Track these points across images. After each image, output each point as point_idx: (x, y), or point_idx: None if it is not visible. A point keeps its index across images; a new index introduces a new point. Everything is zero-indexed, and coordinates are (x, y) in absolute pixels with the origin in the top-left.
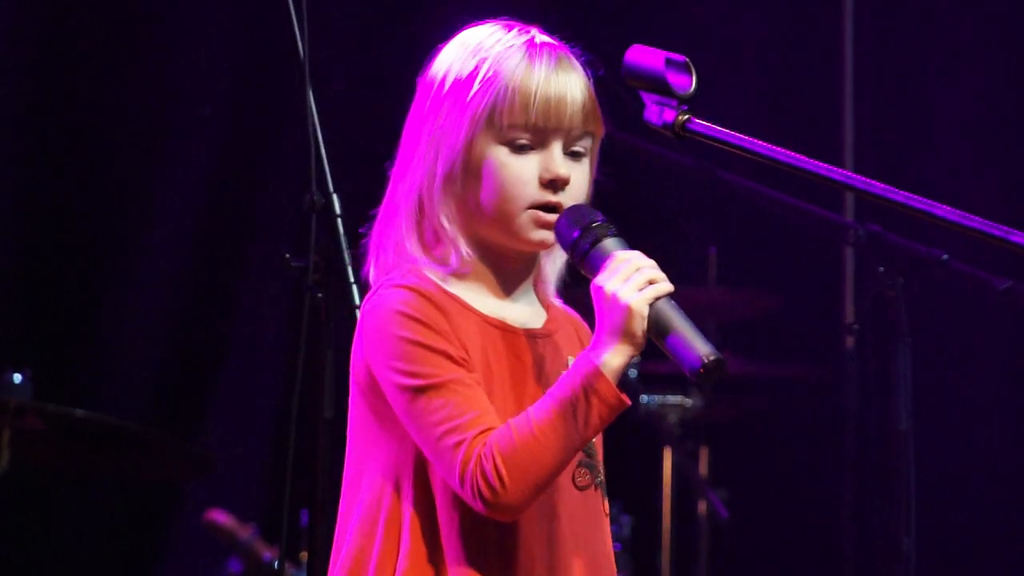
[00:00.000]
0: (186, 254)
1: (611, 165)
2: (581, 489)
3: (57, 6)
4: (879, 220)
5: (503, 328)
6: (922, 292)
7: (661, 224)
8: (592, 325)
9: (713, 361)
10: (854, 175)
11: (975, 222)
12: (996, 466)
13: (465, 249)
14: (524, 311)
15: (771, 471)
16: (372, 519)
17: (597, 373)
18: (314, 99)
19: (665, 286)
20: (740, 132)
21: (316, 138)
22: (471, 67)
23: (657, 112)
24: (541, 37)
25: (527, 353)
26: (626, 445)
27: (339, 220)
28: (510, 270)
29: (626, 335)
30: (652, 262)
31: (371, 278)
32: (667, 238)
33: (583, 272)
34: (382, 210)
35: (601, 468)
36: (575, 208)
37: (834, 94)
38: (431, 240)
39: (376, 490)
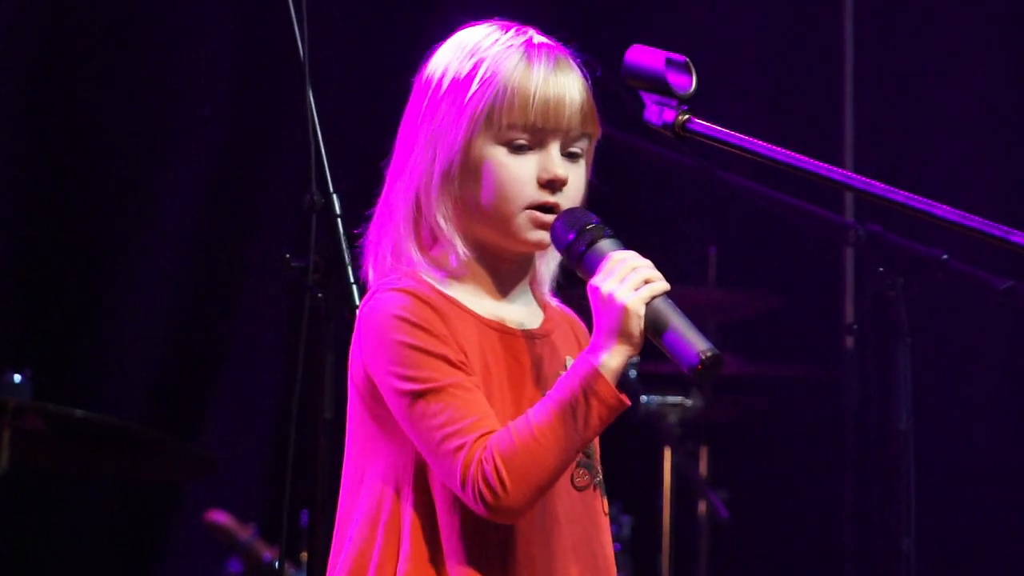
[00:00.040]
0: (186, 254)
1: (611, 165)
2: (580, 489)
3: (57, 6)
4: (879, 220)
5: (501, 329)
6: (922, 292)
7: (661, 224)
8: (589, 325)
9: (710, 357)
10: (854, 175)
11: (975, 222)
12: (996, 466)
13: (462, 249)
14: (521, 312)
15: (771, 471)
16: (372, 522)
17: (596, 374)
18: (314, 99)
19: (661, 285)
20: (740, 132)
21: (316, 138)
22: (469, 67)
23: (657, 112)
24: (539, 38)
25: (525, 354)
26: (626, 445)
27: (339, 220)
28: (507, 271)
29: (623, 335)
30: (648, 262)
31: (369, 279)
32: (667, 238)
33: (579, 274)
34: (378, 210)
35: (599, 468)
36: (570, 211)
37: (834, 94)
38: (428, 240)
39: (376, 493)
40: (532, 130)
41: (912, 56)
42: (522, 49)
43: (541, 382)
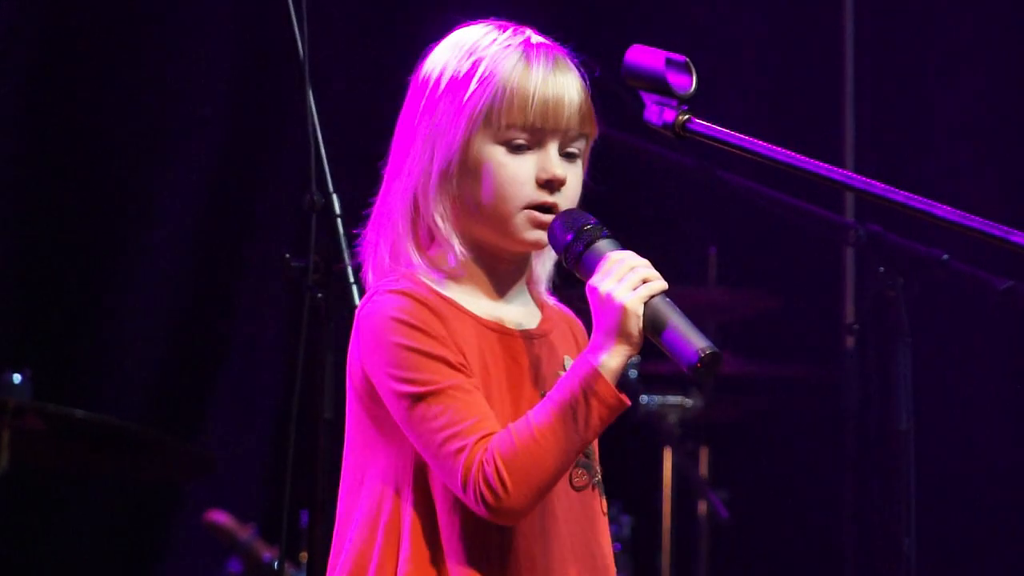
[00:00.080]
0: (186, 254)
1: (611, 165)
2: (578, 489)
3: (57, 6)
4: (879, 220)
5: (499, 330)
6: (922, 292)
7: (661, 224)
8: (587, 325)
9: (710, 355)
10: (854, 175)
11: (975, 222)
12: (996, 466)
13: (460, 248)
14: (519, 312)
15: (771, 471)
16: (372, 523)
17: (595, 374)
18: (314, 99)
19: (659, 284)
20: (740, 132)
21: (316, 138)
22: (467, 67)
23: (657, 112)
24: (537, 38)
25: (523, 354)
26: (626, 445)
27: (339, 220)
28: (504, 271)
29: (623, 335)
30: (645, 261)
31: (368, 279)
32: (667, 238)
33: (578, 275)
34: (375, 210)
35: (598, 467)
36: (568, 212)
37: (834, 94)
38: (426, 240)
39: (376, 495)
40: (531, 130)
41: (912, 56)
42: (521, 49)
43: (539, 382)
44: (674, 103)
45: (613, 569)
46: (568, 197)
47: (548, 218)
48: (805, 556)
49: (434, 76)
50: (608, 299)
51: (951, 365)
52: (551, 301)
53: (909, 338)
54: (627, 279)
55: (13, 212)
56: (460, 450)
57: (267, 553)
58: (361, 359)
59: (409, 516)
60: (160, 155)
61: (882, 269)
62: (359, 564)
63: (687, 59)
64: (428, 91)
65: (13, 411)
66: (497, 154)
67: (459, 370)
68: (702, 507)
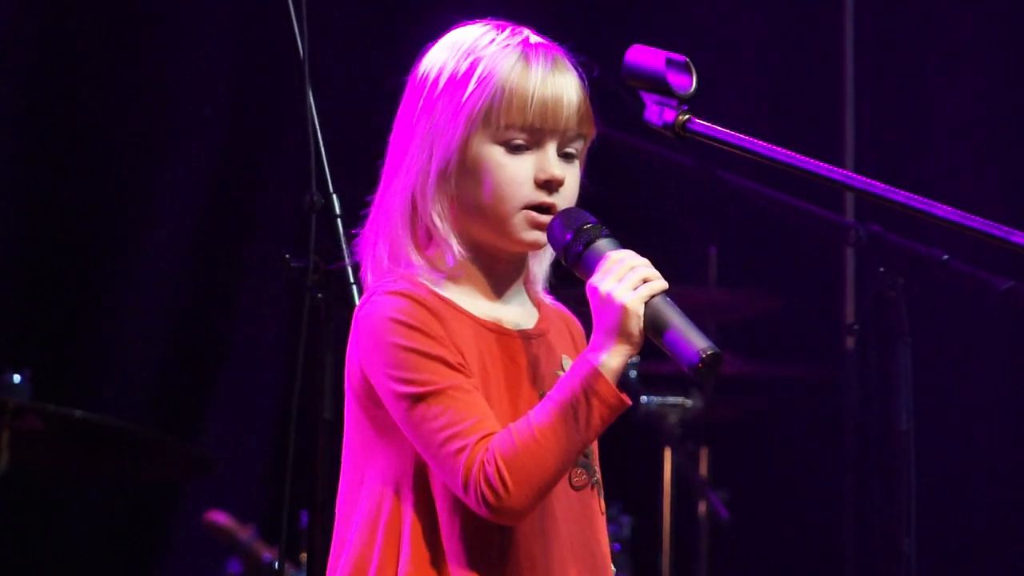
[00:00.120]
0: (186, 254)
1: (611, 165)
2: (577, 489)
3: (57, 6)
4: (879, 220)
5: (497, 330)
6: (922, 292)
7: (661, 224)
8: (586, 325)
9: (711, 355)
10: (854, 175)
11: (975, 222)
12: (996, 466)
13: (458, 248)
14: (516, 312)
15: (771, 471)
16: (372, 525)
17: (596, 374)
18: (314, 99)
19: (659, 284)
20: (740, 132)
21: (316, 138)
22: (466, 66)
23: (657, 112)
24: (535, 38)
25: (521, 354)
26: (626, 446)
27: (339, 220)
28: (501, 271)
29: (623, 335)
30: (645, 260)
31: (367, 279)
32: (667, 238)
33: (577, 274)
34: (373, 209)
35: (597, 467)
36: (567, 211)
37: (834, 94)
38: (424, 239)
39: (376, 496)
40: (530, 130)
41: (912, 56)
42: (520, 49)
43: (538, 382)
44: (674, 103)
45: (611, 568)
46: (566, 198)
47: (546, 218)
48: (805, 556)
49: (432, 76)
50: (609, 299)
51: (951, 365)
52: (548, 300)
53: (909, 338)
54: (627, 279)
55: (13, 212)
56: (461, 450)
57: (267, 553)
58: (360, 360)
59: (409, 517)
60: (160, 155)
61: (882, 269)
62: (359, 566)
63: (687, 59)
64: (426, 91)
65: (13, 411)
66: (496, 154)
67: (458, 370)
68: (702, 507)
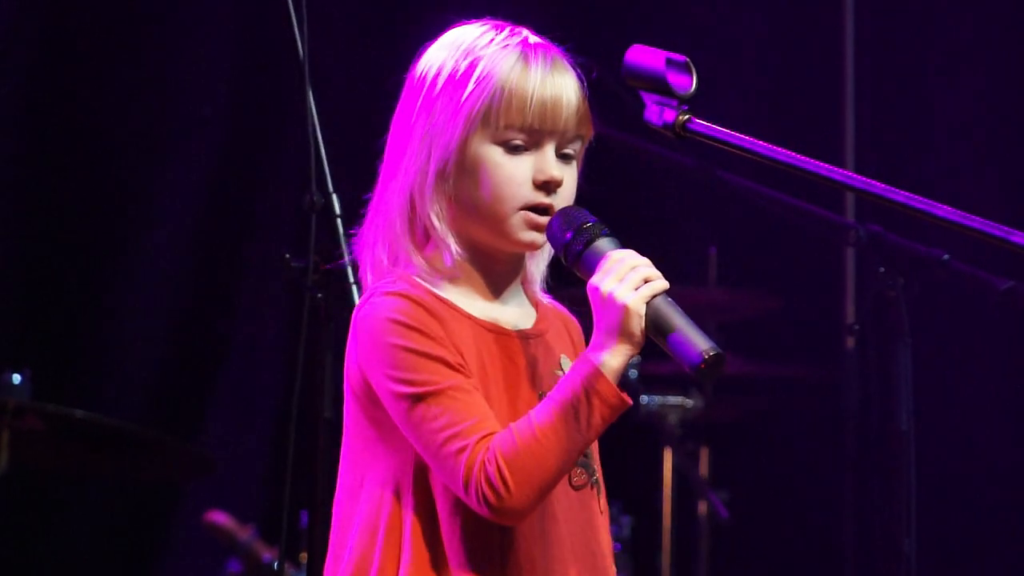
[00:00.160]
0: (186, 254)
1: (611, 165)
2: (577, 489)
3: (57, 6)
4: (879, 220)
5: (495, 330)
6: (922, 292)
7: (661, 224)
8: (585, 324)
9: (713, 356)
10: (854, 175)
11: (975, 222)
12: (996, 466)
13: (456, 248)
14: (515, 312)
15: (771, 471)
16: (372, 526)
17: (597, 374)
18: (314, 99)
19: (661, 283)
20: (740, 132)
21: (316, 138)
22: (465, 67)
23: (657, 112)
24: (534, 38)
25: (520, 354)
26: (626, 446)
27: (339, 220)
28: (499, 271)
29: (624, 335)
30: (646, 260)
31: (366, 279)
32: (667, 238)
33: (578, 273)
34: (371, 208)
35: (596, 466)
36: (566, 210)
37: (834, 94)
38: (421, 239)
39: (375, 497)
40: (529, 131)
41: (912, 56)
42: (519, 49)
43: (536, 382)
44: (674, 103)
45: (612, 568)
46: (564, 198)
47: (544, 219)
48: (805, 556)
49: (431, 75)
50: (610, 299)
51: (951, 365)
52: (546, 300)
53: (909, 338)
54: (628, 279)
55: (13, 212)
56: (461, 450)
57: (267, 554)
58: (359, 361)
59: (410, 519)
60: (160, 155)
61: (882, 269)
62: (360, 567)
63: (687, 59)
64: (425, 90)
65: (13, 411)
66: (494, 154)
67: (458, 370)
68: (702, 507)
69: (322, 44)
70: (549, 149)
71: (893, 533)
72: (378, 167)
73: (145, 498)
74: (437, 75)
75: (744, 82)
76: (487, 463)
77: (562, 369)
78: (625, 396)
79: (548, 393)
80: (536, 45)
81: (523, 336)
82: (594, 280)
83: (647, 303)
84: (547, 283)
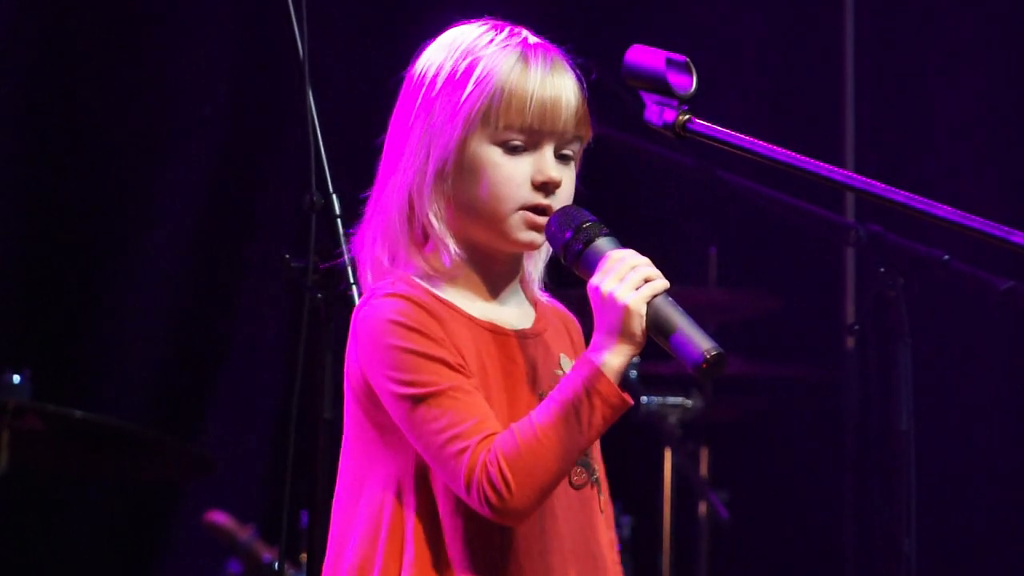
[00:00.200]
0: (186, 254)
1: (611, 165)
2: (577, 488)
3: (57, 6)
4: (880, 220)
5: (494, 330)
6: (923, 292)
7: (661, 224)
8: (586, 324)
9: (715, 356)
10: (854, 175)
11: (975, 222)
12: (996, 466)
13: (454, 248)
14: (513, 312)
15: (771, 471)
16: (374, 528)
17: (598, 374)
18: (314, 99)
19: (661, 283)
20: (740, 132)
21: (316, 138)
22: (464, 67)
23: (657, 112)
24: (533, 38)
25: (519, 354)
26: (627, 446)
27: (339, 220)
28: (498, 271)
29: (625, 334)
30: (646, 259)
31: (366, 279)
32: (667, 238)
33: (577, 273)
34: (369, 207)
35: (596, 465)
36: (565, 209)
37: (834, 94)
38: (420, 239)
39: (377, 499)
40: (528, 132)
41: (912, 56)
42: (519, 50)
43: (536, 382)
44: (674, 103)
45: (612, 567)
46: (562, 199)
47: (542, 220)
48: (805, 556)
49: (430, 75)
50: (610, 299)
51: (951, 365)
52: (544, 299)
53: (909, 338)
54: (629, 278)
55: (13, 212)
56: (462, 451)
57: (267, 554)
58: (360, 362)
59: (412, 519)
60: (160, 155)
61: (882, 269)
62: (362, 569)
63: (687, 59)
64: (424, 90)
65: (13, 411)
66: (493, 155)
67: (458, 371)
68: (702, 507)
69: (322, 44)
70: (548, 150)
71: (893, 533)
72: (377, 166)
73: (145, 498)
74: (436, 75)
75: (744, 82)
76: (488, 464)
77: (562, 368)
78: (626, 396)
79: (548, 393)
80: (536, 45)
81: (522, 336)
82: (594, 280)
83: (648, 303)
84: (545, 283)
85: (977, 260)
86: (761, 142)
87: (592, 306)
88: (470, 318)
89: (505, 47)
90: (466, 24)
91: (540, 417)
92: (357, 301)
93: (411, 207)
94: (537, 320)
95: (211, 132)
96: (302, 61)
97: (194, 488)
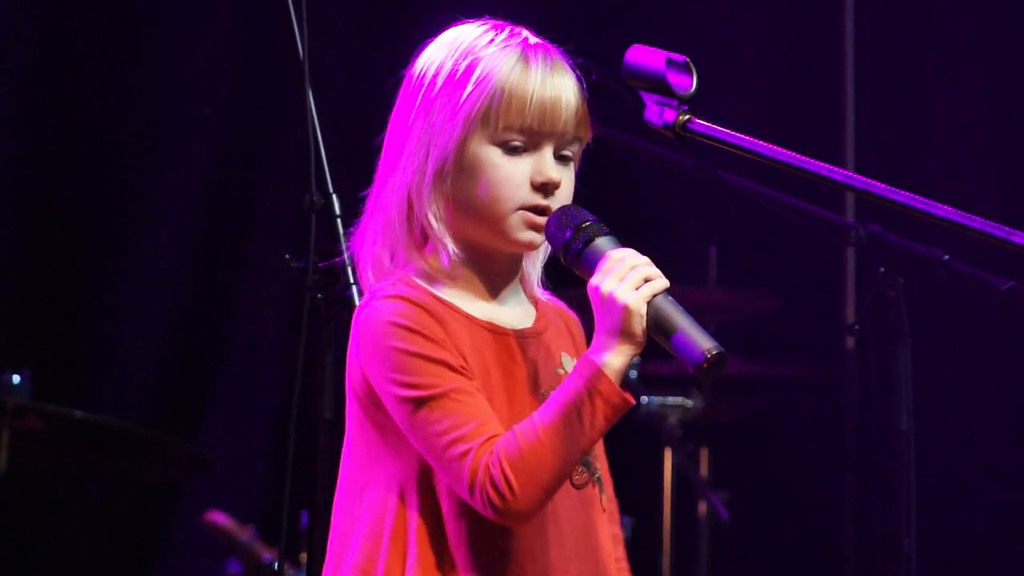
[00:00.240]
0: (186, 254)
1: (611, 165)
2: (579, 487)
3: (57, 6)
4: (880, 220)
5: (495, 330)
6: (923, 292)
7: (661, 224)
8: (587, 323)
9: (715, 355)
10: (854, 175)
11: (975, 222)
12: (996, 466)
13: (453, 248)
14: (513, 312)
15: (771, 471)
16: (377, 529)
17: (599, 374)
18: (314, 99)
19: (661, 282)
20: (740, 132)
21: (316, 138)
22: (464, 67)
23: (657, 112)
24: (533, 39)
25: (519, 354)
26: (627, 446)
27: (339, 220)
28: (497, 271)
29: (626, 335)
30: (646, 259)
31: (367, 278)
32: (667, 238)
33: (577, 272)
34: (368, 206)
35: (598, 463)
36: (565, 209)
37: (834, 94)
38: (420, 239)
39: (380, 500)
40: (528, 132)
41: (912, 56)
42: (519, 50)
43: (537, 382)
44: (674, 103)
45: (613, 565)
46: (561, 200)
47: (541, 220)
48: (805, 556)
49: (430, 75)
50: (611, 299)
51: (951, 365)
52: (545, 297)
53: (909, 338)
54: (629, 278)
55: (13, 212)
56: (465, 454)
57: (267, 554)
58: (361, 365)
59: (415, 521)
60: (160, 155)
61: (882, 269)
62: (365, 570)
63: (687, 59)
64: (423, 90)
65: (13, 411)
66: (493, 155)
67: (460, 373)
68: (702, 507)
69: (322, 44)
70: (548, 151)
71: (893, 533)
72: (376, 166)
73: (145, 498)
74: (436, 74)
75: (744, 82)
76: (491, 466)
77: (563, 367)
78: (628, 396)
79: (550, 392)
80: (536, 46)
81: (523, 336)
82: (594, 280)
83: (648, 302)
84: (543, 284)
85: (977, 260)
86: (761, 142)
87: (593, 306)
88: (470, 318)
89: (505, 47)
90: (466, 24)
91: (542, 418)
92: (357, 301)
93: (410, 207)
94: (538, 319)
95: (211, 132)
96: (302, 61)
97: (194, 488)
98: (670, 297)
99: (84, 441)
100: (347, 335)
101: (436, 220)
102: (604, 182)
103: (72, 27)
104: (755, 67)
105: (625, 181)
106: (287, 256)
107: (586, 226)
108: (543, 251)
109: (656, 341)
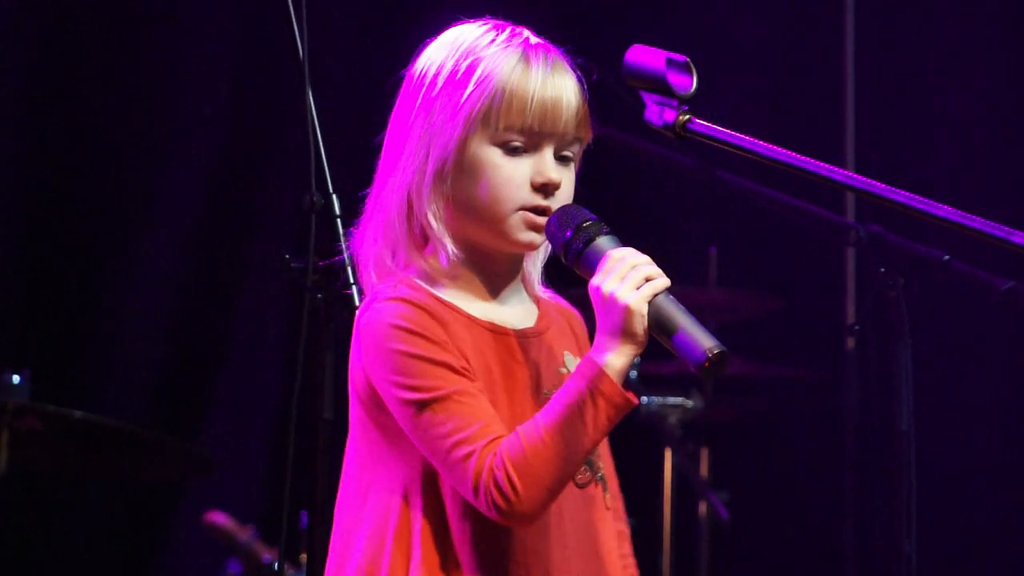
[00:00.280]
0: (186, 254)
1: (611, 165)
2: (582, 487)
3: (57, 5)
4: (880, 220)
5: (496, 331)
6: (923, 293)
7: (661, 224)
8: (588, 321)
9: (717, 354)
10: (854, 175)
11: (975, 222)
12: (996, 466)
13: (452, 248)
14: (515, 312)
15: (771, 471)
16: (380, 531)
17: (601, 375)
18: (314, 99)
19: (662, 282)
20: (740, 132)
21: (316, 138)
22: (465, 67)
23: (657, 112)
24: (534, 39)
25: (520, 354)
26: (627, 446)
27: (339, 220)
28: (498, 271)
29: (627, 334)
30: (647, 258)
31: (369, 278)
32: (667, 238)
33: (578, 272)
34: (368, 205)
35: (601, 462)
36: (565, 208)
37: (834, 94)
38: (420, 239)
39: (384, 502)
40: (528, 133)
41: (912, 56)
42: (520, 50)
43: (539, 381)
44: (674, 103)
45: (615, 564)
46: (562, 201)
47: (542, 220)
48: (805, 556)
49: (430, 75)
50: (612, 299)
51: (951, 365)
52: (547, 296)
53: (909, 338)
54: (630, 278)
55: (13, 212)
56: (469, 456)
57: (267, 554)
58: (364, 367)
59: (419, 523)
60: (160, 155)
61: (883, 269)
62: (369, 572)
63: (687, 59)
64: (424, 90)
65: (12, 412)
66: (493, 156)
67: (463, 375)
68: (702, 508)
69: (322, 44)
70: (548, 151)
71: (893, 533)
72: (376, 165)
73: (145, 498)
74: (437, 74)
75: (744, 82)
76: (495, 468)
77: (566, 366)
78: (631, 396)
79: (553, 392)
80: (537, 46)
81: (524, 335)
82: (595, 280)
83: (649, 302)
84: (543, 284)
85: (977, 260)
86: (761, 142)
87: (594, 306)
88: (471, 319)
89: (506, 47)
90: (467, 24)
91: (545, 420)
92: (357, 302)
93: (410, 207)
94: (539, 319)
95: (211, 132)
96: (302, 61)
97: (194, 488)
98: (671, 296)
99: (84, 441)
100: (347, 335)
101: (436, 220)
102: (604, 182)
103: (72, 27)
104: (755, 67)
105: (625, 181)
106: (287, 256)
107: (587, 226)
108: (543, 250)
109: (657, 340)
